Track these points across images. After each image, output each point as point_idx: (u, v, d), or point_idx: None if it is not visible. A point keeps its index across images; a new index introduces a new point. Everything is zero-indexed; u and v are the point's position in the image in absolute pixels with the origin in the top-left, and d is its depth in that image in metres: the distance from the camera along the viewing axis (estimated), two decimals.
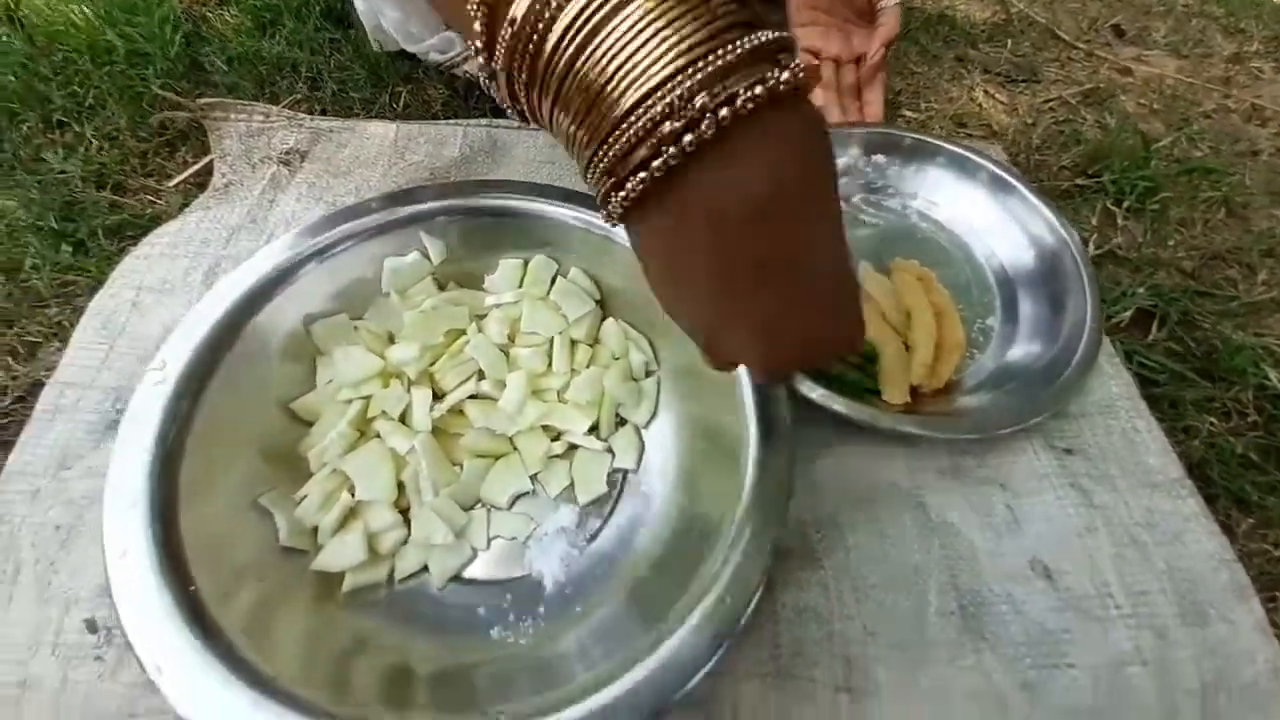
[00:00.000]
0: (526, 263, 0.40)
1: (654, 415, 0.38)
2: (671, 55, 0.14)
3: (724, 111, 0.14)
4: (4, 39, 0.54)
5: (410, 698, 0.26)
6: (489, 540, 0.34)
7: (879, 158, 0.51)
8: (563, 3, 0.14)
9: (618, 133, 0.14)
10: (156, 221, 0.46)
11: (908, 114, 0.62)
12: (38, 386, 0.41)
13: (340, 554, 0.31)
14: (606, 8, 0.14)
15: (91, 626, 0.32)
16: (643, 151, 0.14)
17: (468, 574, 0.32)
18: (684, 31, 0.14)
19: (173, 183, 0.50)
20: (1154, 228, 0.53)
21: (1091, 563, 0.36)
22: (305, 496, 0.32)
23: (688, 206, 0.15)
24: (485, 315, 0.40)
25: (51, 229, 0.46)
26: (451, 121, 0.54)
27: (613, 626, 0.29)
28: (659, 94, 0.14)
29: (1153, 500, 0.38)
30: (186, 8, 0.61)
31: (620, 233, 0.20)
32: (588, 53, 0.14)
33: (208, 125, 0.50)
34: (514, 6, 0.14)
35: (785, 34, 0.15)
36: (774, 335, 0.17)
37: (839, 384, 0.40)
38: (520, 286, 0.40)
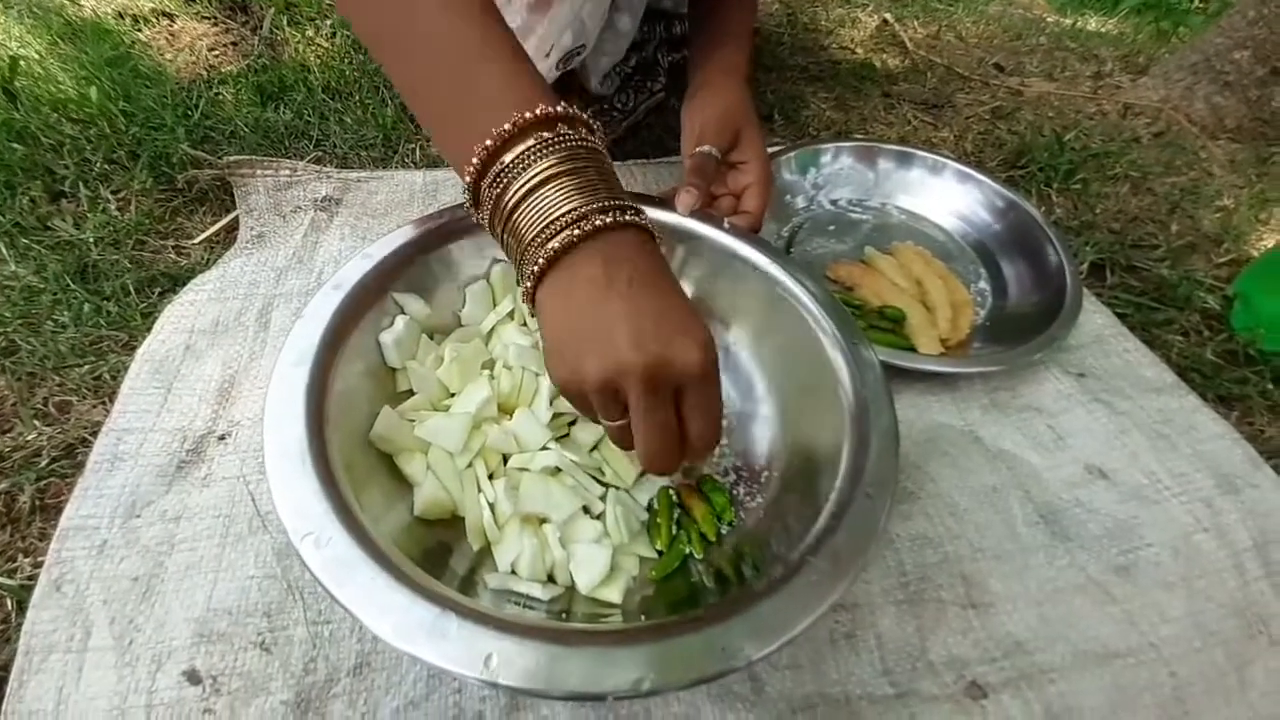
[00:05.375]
0: (488, 279, 0.39)
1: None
2: (566, 210, 0.26)
3: (581, 230, 0.25)
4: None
5: None
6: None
7: (862, 166, 0.60)
8: (509, 184, 0.26)
9: (530, 249, 0.26)
10: (191, 274, 0.45)
11: (858, 138, 0.72)
12: (75, 445, 0.38)
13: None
14: (535, 184, 0.26)
15: (193, 678, 0.29)
16: (539, 256, 0.26)
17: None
18: (575, 199, 0.26)
19: (197, 240, 0.49)
20: (1081, 200, 0.63)
21: (1134, 458, 0.41)
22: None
23: (566, 279, 0.26)
24: (492, 333, 0.38)
25: (69, 289, 0.44)
26: None
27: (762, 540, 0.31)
28: (553, 225, 0.26)
29: (1161, 401, 0.44)
30: (184, 85, 0.62)
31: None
32: (521, 209, 0.26)
33: (234, 182, 0.51)
34: (485, 180, 0.27)
35: (638, 206, 0.27)
36: (638, 339, 0.25)
37: (877, 345, 0.45)
38: (495, 303, 0.39)
